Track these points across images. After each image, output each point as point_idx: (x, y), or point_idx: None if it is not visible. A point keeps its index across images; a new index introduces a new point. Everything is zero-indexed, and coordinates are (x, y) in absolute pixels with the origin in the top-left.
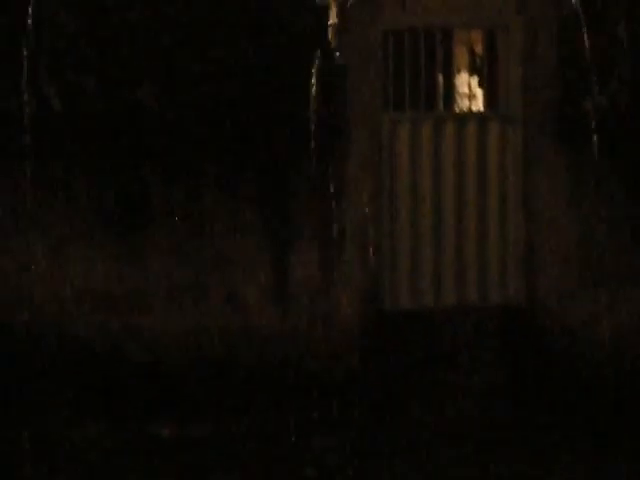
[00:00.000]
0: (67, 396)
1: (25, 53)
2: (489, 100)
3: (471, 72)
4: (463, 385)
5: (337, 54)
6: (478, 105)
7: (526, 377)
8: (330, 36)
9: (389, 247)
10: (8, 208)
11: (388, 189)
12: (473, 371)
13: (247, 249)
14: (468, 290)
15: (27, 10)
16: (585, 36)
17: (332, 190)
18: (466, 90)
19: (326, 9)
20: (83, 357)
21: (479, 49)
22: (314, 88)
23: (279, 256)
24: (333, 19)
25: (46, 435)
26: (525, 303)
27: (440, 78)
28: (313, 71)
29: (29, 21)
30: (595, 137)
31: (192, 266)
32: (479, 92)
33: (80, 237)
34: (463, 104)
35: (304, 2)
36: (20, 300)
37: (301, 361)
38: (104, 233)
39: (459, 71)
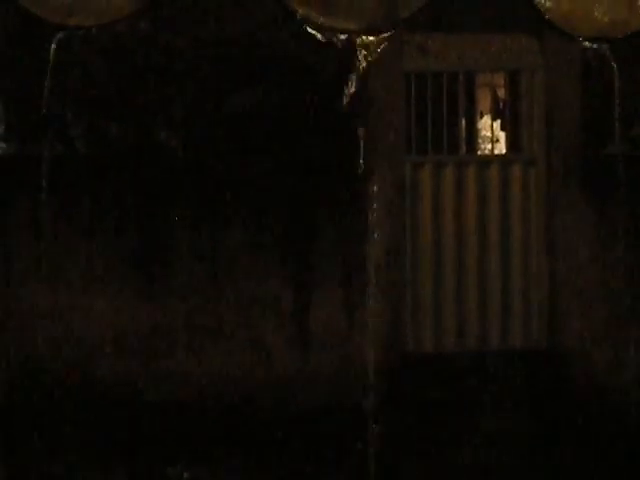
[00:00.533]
0: (88, 439)
1: (49, 95)
2: (512, 143)
3: (494, 115)
4: (485, 431)
5: (360, 97)
6: (501, 148)
7: (549, 423)
8: (353, 79)
9: (411, 291)
10: (30, 251)
11: (411, 232)
12: (495, 416)
13: (270, 293)
14: (491, 333)
15: (52, 52)
16: (610, 80)
17: (355, 234)
18: (489, 133)
19: (349, 51)
20: (104, 400)
21: (502, 92)
22: (336, 130)
23: (302, 300)
24: (356, 62)
25: (62, 478)
26: (548, 347)
27: (463, 121)
28: (335, 113)
29: (54, 64)
30: (618, 180)
31: (215, 310)
32: (502, 135)
33: (102, 280)
34: (486, 147)
35: (326, 45)
36: (42, 343)
37: (322, 405)
38: (126, 276)
39: (482, 114)
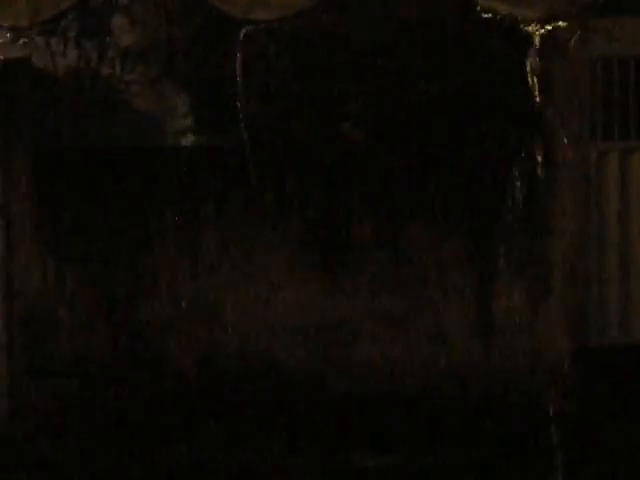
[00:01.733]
0: (269, 427)
1: (235, 88)
2: None
3: None
4: None
5: (544, 85)
6: None
7: None
8: (536, 67)
9: (596, 280)
10: (216, 243)
11: (596, 221)
12: None
13: (451, 282)
14: None
15: (237, 47)
16: None
17: (537, 222)
18: None
19: (532, 39)
20: (286, 388)
21: None
22: (518, 119)
23: (483, 290)
24: (540, 49)
25: (249, 464)
26: None
27: None
28: (518, 102)
29: (239, 57)
30: None
31: (396, 300)
32: None
33: (283, 268)
34: None
35: (509, 33)
36: (226, 334)
37: (503, 397)
38: (309, 266)
39: None
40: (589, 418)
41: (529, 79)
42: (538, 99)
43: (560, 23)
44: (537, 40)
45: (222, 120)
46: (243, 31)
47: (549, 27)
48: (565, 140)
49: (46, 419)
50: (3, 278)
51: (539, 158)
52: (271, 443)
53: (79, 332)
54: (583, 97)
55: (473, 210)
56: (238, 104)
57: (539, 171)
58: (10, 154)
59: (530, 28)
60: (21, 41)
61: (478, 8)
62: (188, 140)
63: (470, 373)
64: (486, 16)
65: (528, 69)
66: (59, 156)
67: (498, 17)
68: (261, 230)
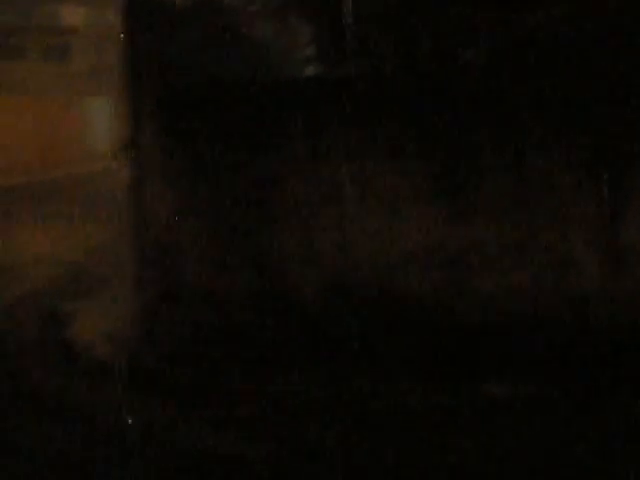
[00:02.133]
0: (398, 355)
1: (356, 18)
2: None
3: None
4: None
5: None
6: None
7: None
8: None
9: None
10: (335, 172)
11: None
12: None
13: (578, 211)
14: None
15: None
16: None
17: None
18: None
19: None
20: (413, 316)
21: None
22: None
23: (611, 220)
24: None
25: (378, 394)
26: None
27: None
28: None
29: None
30: None
31: (522, 227)
32: None
33: (410, 197)
34: None
35: None
36: (351, 262)
37: (629, 323)
38: (433, 193)
39: None
40: None
41: None
42: None
43: None
44: None
45: (344, 50)
46: None
47: None
48: None
49: (176, 345)
50: (134, 209)
51: None
52: (397, 372)
53: (206, 262)
54: None
55: (600, 143)
56: (358, 35)
57: None
58: (138, 89)
59: None
60: None
61: None
62: (310, 71)
63: (597, 301)
64: None
65: None
66: (185, 90)
67: None
68: (380, 161)
